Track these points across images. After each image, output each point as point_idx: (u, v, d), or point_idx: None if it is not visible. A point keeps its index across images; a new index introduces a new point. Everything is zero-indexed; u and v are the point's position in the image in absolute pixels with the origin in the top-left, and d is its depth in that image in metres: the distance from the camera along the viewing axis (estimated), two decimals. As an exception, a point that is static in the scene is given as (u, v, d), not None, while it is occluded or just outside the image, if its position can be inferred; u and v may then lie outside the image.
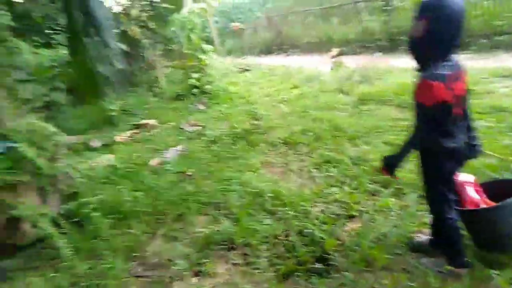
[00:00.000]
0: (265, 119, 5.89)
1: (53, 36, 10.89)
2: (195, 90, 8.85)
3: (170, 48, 12.63)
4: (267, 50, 16.47)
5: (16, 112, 3.80)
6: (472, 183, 2.28)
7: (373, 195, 3.41)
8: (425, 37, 1.86)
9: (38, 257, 3.55)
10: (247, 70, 12.07)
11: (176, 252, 3.06)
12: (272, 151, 4.89)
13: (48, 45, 10.82)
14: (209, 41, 19.10)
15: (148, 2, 10.53)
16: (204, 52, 10.67)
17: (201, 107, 8.07)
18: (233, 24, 20.02)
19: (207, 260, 2.86)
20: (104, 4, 7.69)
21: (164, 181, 4.42)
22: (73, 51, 4.89)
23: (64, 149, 4.18)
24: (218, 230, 3.17)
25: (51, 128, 3.90)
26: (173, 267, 2.87)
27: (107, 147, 6.50)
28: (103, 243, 3.40)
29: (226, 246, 2.98)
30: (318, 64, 9.68)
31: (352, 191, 3.46)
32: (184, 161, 5.07)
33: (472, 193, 2.25)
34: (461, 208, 2.21)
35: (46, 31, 10.33)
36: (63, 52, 12.57)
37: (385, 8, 11.41)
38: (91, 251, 3.36)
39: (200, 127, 6.61)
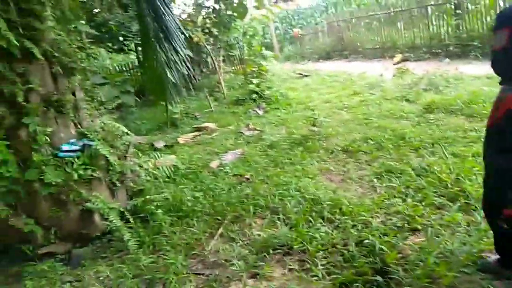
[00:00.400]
0: (324, 126, 5.81)
1: (124, 42, 11.70)
2: (254, 95, 9.01)
3: (231, 54, 13.03)
4: (328, 56, 16.29)
5: (93, 113, 4.13)
6: None
7: (439, 208, 3.23)
8: (509, 48, 1.74)
9: (107, 248, 3.83)
10: (306, 75, 12.03)
11: (234, 253, 3.12)
12: (331, 158, 4.81)
13: (120, 51, 11.69)
14: (268, 47, 19.39)
15: (212, 10, 10.92)
16: (264, 58, 10.83)
17: (260, 112, 8.19)
18: (294, 30, 20.08)
19: (264, 263, 2.88)
20: (173, 12, 8.14)
21: (223, 183, 4.54)
22: (144, 56, 5.18)
23: (132, 148, 4.46)
24: (275, 235, 3.18)
25: (122, 128, 4.19)
26: (231, 267, 2.93)
27: (170, 148, 6.83)
28: (165, 239, 3.57)
29: (283, 251, 2.99)
30: (381, 71, 9.36)
31: (416, 203, 3.29)
32: (242, 164, 5.17)
33: None
34: None
35: (120, 38, 11.10)
36: (132, 57, 13.51)
37: (457, 11, 10.76)
38: (154, 246, 3.55)
39: (258, 132, 6.70)
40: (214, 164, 5.32)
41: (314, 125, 5.60)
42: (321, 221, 3.27)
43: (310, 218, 3.31)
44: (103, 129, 4.13)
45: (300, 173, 4.41)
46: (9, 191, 3.63)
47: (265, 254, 2.98)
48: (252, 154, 5.49)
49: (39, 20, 3.65)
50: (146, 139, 7.53)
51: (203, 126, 7.76)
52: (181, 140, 7.14)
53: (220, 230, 3.59)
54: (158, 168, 5.20)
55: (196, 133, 7.58)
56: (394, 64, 10.60)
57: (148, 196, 4.10)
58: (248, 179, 4.59)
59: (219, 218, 3.75)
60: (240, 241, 3.33)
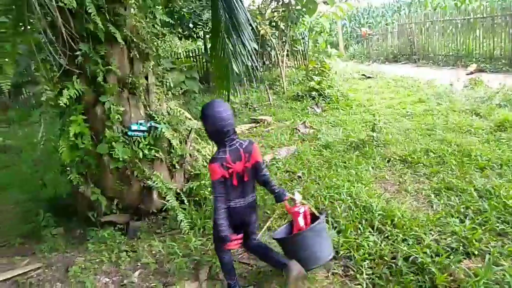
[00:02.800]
0: (383, 132, 5.65)
1: (194, 29, 12.09)
2: (314, 93, 8.94)
3: (295, 49, 12.99)
4: (394, 58, 15.64)
5: (161, 97, 4.38)
6: (301, 213, 2.69)
7: (500, 235, 3.04)
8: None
9: (161, 225, 4.09)
10: (370, 77, 11.67)
11: (279, 248, 3.18)
12: (387, 167, 4.69)
13: (188, 37, 12.11)
14: (333, 44, 19.05)
15: (282, 3, 10.92)
16: (328, 55, 10.68)
17: (318, 110, 8.13)
18: (362, 29, 19.48)
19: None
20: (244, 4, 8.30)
21: (275, 177, 4.61)
22: (212, 45, 5.35)
23: (193, 134, 4.67)
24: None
25: (186, 114, 4.40)
26: (276, 262, 3.00)
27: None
28: (214, 225, 3.73)
29: (328, 254, 3.00)
30: (452, 80, 8.82)
31: (475, 226, 3.13)
32: (295, 161, 5.21)
33: (301, 222, 2.69)
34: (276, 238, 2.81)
35: (190, 25, 11.49)
36: (199, 44, 13.94)
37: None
38: (204, 229, 3.73)
39: (314, 130, 6.67)
40: (267, 157, 5.41)
41: (373, 130, 5.47)
42: (371, 230, 3.23)
43: (360, 226, 3.28)
44: (168, 113, 4.37)
45: (353, 178, 4.35)
46: (82, 161, 4.00)
47: (310, 254, 3.01)
48: (306, 152, 5.50)
49: (123, 7, 3.92)
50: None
51: (260, 119, 7.88)
52: (238, 130, 7.30)
53: (268, 223, 3.68)
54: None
55: (253, 124, 7.72)
56: (467, 74, 9.94)
57: (203, 181, 4.29)
58: (299, 177, 4.63)
59: (268, 212, 3.83)
60: (287, 237, 3.39)
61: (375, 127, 5.51)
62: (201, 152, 4.60)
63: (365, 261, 2.84)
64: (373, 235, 3.15)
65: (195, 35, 11.98)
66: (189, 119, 4.56)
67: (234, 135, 2.48)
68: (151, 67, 4.22)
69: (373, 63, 15.65)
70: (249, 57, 5.81)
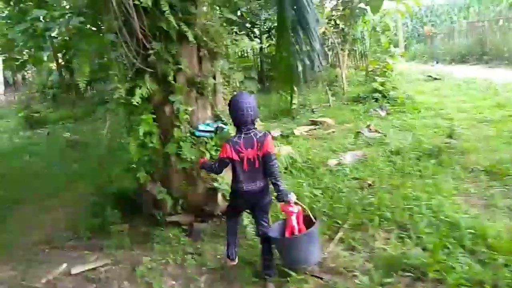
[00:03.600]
0: (461, 139, 5.16)
1: (251, 28, 12.06)
2: (377, 95, 8.50)
3: (355, 48, 12.51)
4: (462, 59, 14.57)
5: (228, 97, 4.29)
6: (295, 213, 2.76)
7: None
8: None
9: (225, 228, 3.98)
10: (436, 79, 10.93)
11: (355, 263, 2.94)
12: (470, 178, 4.24)
13: (246, 36, 12.10)
14: (393, 43, 18.16)
15: (341, 2, 10.54)
16: (391, 55, 10.15)
17: (382, 113, 7.69)
18: (425, 27, 18.42)
19: (391, 284, 2.64)
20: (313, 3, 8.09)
21: (343, 184, 4.35)
22: (277, 44, 5.20)
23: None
24: (405, 253, 2.90)
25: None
26: (354, 279, 2.76)
27: (285, 138, 6.84)
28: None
29: (414, 275, 2.70)
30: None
31: None
32: (363, 167, 4.89)
33: (294, 221, 2.76)
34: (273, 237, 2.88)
35: (247, 24, 11.47)
36: (255, 44, 13.89)
37: None
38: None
39: (380, 135, 6.28)
40: (332, 162, 5.15)
41: (450, 137, 5.00)
42: (461, 250, 2.87)
43: (448, 245, 2.93)
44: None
45: (431, 189, 3.97)
46: (150, 160, 4.00)
47: (392, 273, 2.73)
48: (374, 158, 5.16)
49: (195, 5, 3.86)
50: (263, 126, 7.69)
51: (320, 120, 7.61)
52: (296, 131, 7.11)
53: (340, 234, 3.43)
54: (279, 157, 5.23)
55: (312, 126, 7.47)
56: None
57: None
58: (370, 185, 4.32)
59: (339, 222, 3.58)
60: (362, 252, 3.13)
61: (452, 133, 5.04)
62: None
63: (460, 286, 2.51)
64: (465, 256, 2.80)
65: (252, 35, 11.93)
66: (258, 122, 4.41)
67: (251, 125, 2.78)
68: (219, 66, 4.13)
69: (437, 64, 14.70)
70: (316, 57, 5.59)
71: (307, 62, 5.85)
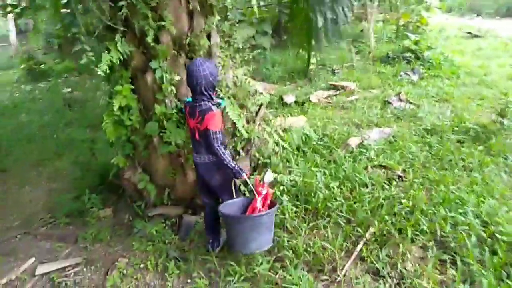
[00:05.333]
0: (515, 117, 4.20)
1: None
2: (409, 54, 7.37)
3: (385, -2, 11.03)
4: (508, 12, 12.84)
5: (227, 63, 3.42)
6: (263, 195, 2.60)
7: None
8: None
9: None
10: (477, 36, 9.56)
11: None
12: (529, 172, 3.38)
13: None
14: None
15: None
16: (426, 8, 8.83)
17: (415, 77, 6.63)
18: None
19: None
20: None
21: (366, 175, 3.53)
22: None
23: (263, 111, 3.70)
24: (444, 283, 2.17)
25: (256, 85, 3.42)
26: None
27: (300, 105, 5.97)
28: (286, 237, 2.86)
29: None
30: None
31: None
32: (391, 150, 4.05)
33: (258, 203, 2.59)
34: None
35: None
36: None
37: None
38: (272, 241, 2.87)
39: (412, 106, 5.34)
40: (353, 141, 4.30)
41: (501, 115, 4.06)
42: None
43: (508, 280, 2.16)
44: (235, 84, 3.42)
45: (480, 188, 3.14)
46: (128, 141, 3.28)
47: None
48: (405, 137, 4.29)
49: None
50: (276, 89, 6.79)
51: (341, 85, 6.64)
52: (313, 98, 6.20)
53: (360, 246, 2.70)
54: (286, 132, 4.42)
55: (332, 92, 6.53)
56: None
57: (274, 173, 3.36)
58: (400, 177, 3.50)
59: (359, 230, 2.83)
60: (389, 278, 2.41)
61: (505, 110, 4.09)
62: (272, 135, 3.64)
63: None
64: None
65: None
66: (260, 93, 3.56)
67: (200, 95, 2.53)
68: (215, 23, 3.23)
69: (477, 17, 13.06)
70: (340, 9, 4.62)
71: (330, 15, 4.87)
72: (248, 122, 3.55)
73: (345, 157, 3.91)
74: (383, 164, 3.72)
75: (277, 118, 5.25)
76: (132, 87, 3.09)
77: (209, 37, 3.25)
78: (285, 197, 3.18)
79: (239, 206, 2.71)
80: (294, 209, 3.14)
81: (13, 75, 13.33)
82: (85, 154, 4.98)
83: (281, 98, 6.24)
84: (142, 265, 2.96)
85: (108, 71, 2.77)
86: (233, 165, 2.53)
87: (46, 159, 5.46)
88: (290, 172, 3.56)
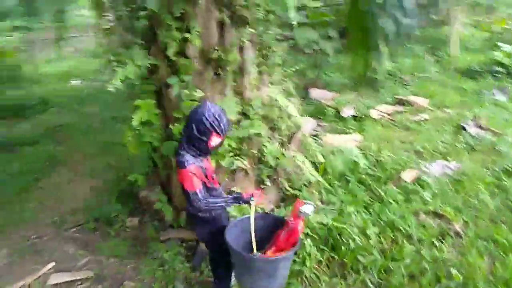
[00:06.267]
0: None
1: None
2: (498, 69, 6.28)
3: None
4: None
5: (262, 79, 3.05)
6: (290, 228, 2.17)
7: None
8: None
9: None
10: None
11: None
12: None
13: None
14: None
15: None
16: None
17: (502, 98, 5.61)
18: None
19: None
20: None
21: (414, 222, 2.94)
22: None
23: (299, 135, 3.28)
24: None
25: (291, 109, 3.00)
26: None
27: (358, 120, 5.38)
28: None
29: None
30: None
31: None
32: (453, 193, 3.36)
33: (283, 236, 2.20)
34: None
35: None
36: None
37: None
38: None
39: (493, 135, 4.47)
40: (408, 174, 3.68)
41: None
42: None
43: None
44: (267, 104, 3.05)
45: None
46: (149, 158, 3.10)
47: None
48: (475, 177, 3.55)
49: None
50: (334, 100, 6.24)
51: (410, 100, 5.88)
52: (375, 113, 5.55)
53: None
54: (332, 155, 3.92)
55: (398, 107, 5.80)
56: None
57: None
58: (458, 234, 2.85)
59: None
60: None
61: None
62: (304, 163, 3.19)
63: None
64: None
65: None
66: (297, 115, 3.14)
67: (185, 142, 2.06)
68: (250, 36, 2.88)
69: None
70: (407, 13, 4.00)
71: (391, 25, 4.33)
72: (282, 145, 3.18)
73: (394, 196, 3.33)
74: (439, 211, 3.08)
75: (326, 136, 4.80)
76: (154, 102, 2.88)
77: (242, 50, 2.92)
78: (309, 241, 2.74)
79: (238, 241, 2.21)
80: (318, 256, 2.70)
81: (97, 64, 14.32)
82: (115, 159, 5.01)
83: (338, 111, 5.69)
84: (146, 293, 2.77)
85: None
86: (224, 203, 2.13)
87: (97, 154, 5.62)
88: (322, 210, 3.10)
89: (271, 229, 2.27)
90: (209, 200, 2.06)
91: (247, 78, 2.94)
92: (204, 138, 1.98)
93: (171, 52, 2.62)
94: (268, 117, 3.04)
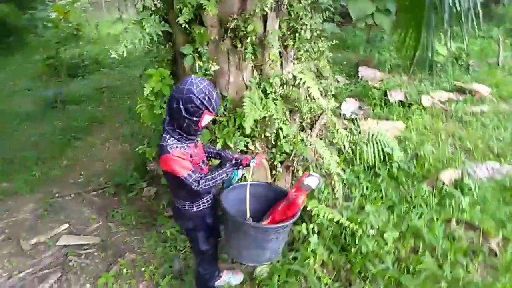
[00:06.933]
0: None
1: None
2: None
3: None
4: None
5: (288, 54, 2.74)
6: (290, 200, 2.01)
7: None
8: None
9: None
10: None
11: None
12: None
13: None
14: None
15: None
16: None
17: None
18: None
19: None
20: None
21: (444, 232, 2.56)
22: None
23: (323, 120, 2.95)
24: None
25: (314, 88, 2.67)
26: None
27: (405, 107, 4.85)
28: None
29: None
30: None
31: None
32: (497, 202, 2.89)
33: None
34: None
35: None
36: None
37: None
38: None
39: None
40: (448, 175, 3.22)
41: None
42: None
43: None
44: (286, 84, 2.75)
45: None
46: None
47: None
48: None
49: None
50: (383, 81, 5.68)
51: (471, 88, 5.18)
52: (426, 100, 4.96)
53: None
54: (366, 142, 3.54)
55: (455, 95, 5.15)
56: None
57: (315, 205, 2.64)
58: (494, 252, 2.42)
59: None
60: None
61: None
62: (325, 151, 2.86)
63: None
64: None
65: None
66: (320, 97, 2.79)
67: (168, 124, 1.84)
68: (274, 3, 2.56)
69: None
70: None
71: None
72: (303, 130, 2.89)
73: (425, 197, 2.94)
74: (476, 222, 2.65)
75: (366, 121, 4.39)
76: (169, 72, 2.71)
77: (265, 20, 2.62)
78: (315, 237, 2.49)
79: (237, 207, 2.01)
80: (324, 255, 2.45)
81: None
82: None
83: (385, 94, 5.18)
84: (142, 269, 2.72)
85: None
86: (224, 173, 1.89)
87: (134, 118, 5.66)
88: (338, 204, 2.81)
89: (272, 201, 2.11)
90: (207, 177, 1.82)
91: (268, 52, 2.65)
92: (195, 119, 1.74)
93: (181, 19, 2.39)
94: (289, 97, 2.74)
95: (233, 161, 1.95)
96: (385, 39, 6.66)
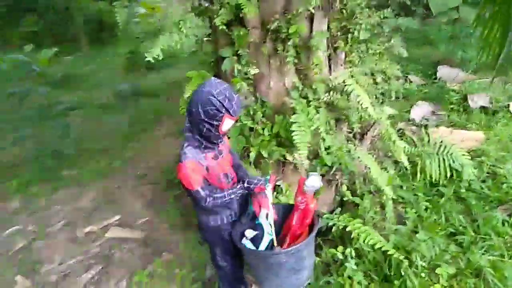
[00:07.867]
0: None
1: None
2: None
3: None
4: None
5: (338, 58, 2.48)
6: (300, 210, 1.87)
7: None
8: None
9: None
10: None
11: None
12: None
13: None
14: None
15: None
16: None
17: None
18: None
19: None
20: None
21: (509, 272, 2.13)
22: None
23: (375, 131, 2.64)
24: None
25: (364, 96, 2.38)
26: None
27: (489, 115, 4.22)
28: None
29: None
30: None
31: None
32: None
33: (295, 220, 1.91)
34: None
35: None
36: None
37: None
38: None
39: None
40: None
41: None
42: None
43: None
44: (334, 90, 2.49)
45: None
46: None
47: None
48: None
49: None
50: (465, 84, 5.01)
51: None
52: (516, 107, 4.26)
53: None
54: (431, 155, 3.12)
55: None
56: None
57: (357, 226, 2.38)
58: None
59: None
60: None
61: None
62: (372, 167, 2.55)
63: None
64: None
65: None
66: (374, 104, 2.48)
67: (186, 131, 1.73)
68: (320, 1, 2.32)
69: None
70: None
71: None
72: (349, 142, 2.63)
73: (499, 226, 2.49)
74: None
75: (438, 129, 3.89)
76: (208, 74, 2.64)
77: (312, 20, 2.40)
78: (353, 263, 2.23)
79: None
80: (363, 283, 2.19)
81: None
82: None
83: (465, 98, 4.56)
84: (176, 271, 2.72)
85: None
86: (234, 194, 1.79)
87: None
88: (386, 227, 2.50)
89: (281, 219, 1.95)
90: (216, 195, 1.73)
91: (313, 55, 2.43)
92: (215, 123, 1.61)
93: (219, 20, 2.28)
94: (335, 105, 2.50)
95: (245, 184, 1.80)
96: (472, 35, 5.86)
